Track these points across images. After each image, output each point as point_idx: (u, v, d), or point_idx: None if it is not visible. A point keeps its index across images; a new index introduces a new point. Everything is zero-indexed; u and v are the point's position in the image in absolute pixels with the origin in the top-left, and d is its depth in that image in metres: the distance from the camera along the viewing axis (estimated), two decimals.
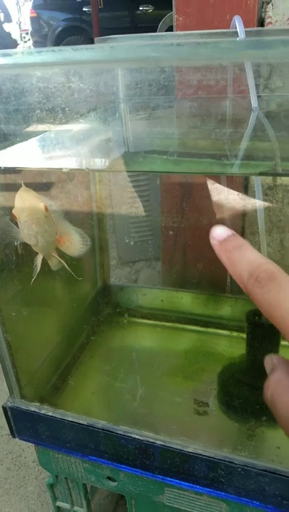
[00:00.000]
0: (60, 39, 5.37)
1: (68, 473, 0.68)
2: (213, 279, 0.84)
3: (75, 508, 0.73)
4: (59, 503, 0.74)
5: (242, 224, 0.85)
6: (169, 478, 0.58)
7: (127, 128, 0.72)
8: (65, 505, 0.73)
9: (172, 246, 0.92)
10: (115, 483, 0.65)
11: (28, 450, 1.02)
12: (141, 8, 5.04)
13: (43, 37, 5.42)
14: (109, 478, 0.65)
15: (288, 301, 0.21)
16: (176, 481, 0.58)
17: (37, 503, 0.91)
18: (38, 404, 0.63)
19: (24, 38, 7.93)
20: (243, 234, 0.86)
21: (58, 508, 0.74)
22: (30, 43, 6.15)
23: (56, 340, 0.74)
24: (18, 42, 5.10)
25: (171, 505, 0.61)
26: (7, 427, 1.08)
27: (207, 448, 0.55)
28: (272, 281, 0.22)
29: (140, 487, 0.63)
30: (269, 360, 0.25)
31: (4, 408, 0.64)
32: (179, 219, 0.86)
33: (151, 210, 1.41)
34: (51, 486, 0.72)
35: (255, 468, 0.52)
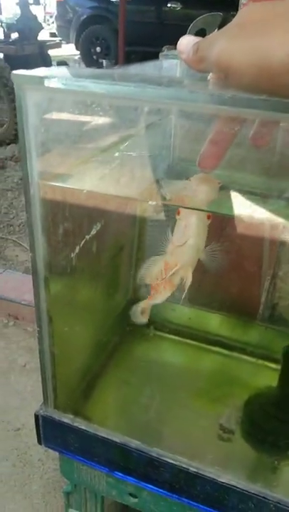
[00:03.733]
0: (85, 26, 5.34)
1: (89, 485, 0.69)
2: (245, 303, 0.86)
3: None
4: (72, 511, 0.75)
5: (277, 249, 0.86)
6: (195, 503, 0.60)
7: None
8: None
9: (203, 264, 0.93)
10: (136, 500, 0.66)
11: (34, 448, 1.03)
12: (169, 5, 5.02)
13: (67, 22, 5.39)
14: (130, 494, 0.66)
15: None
16: (203, 506, 0.59)
17: (41, 502, 0.92)
18: (71, 416, 0.64)
19: (48, 20, 7.87)
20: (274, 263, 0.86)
21: None
22: (54, 26, 6.11)
23: (88, 350, 0.75)
24: (42, 24, 5.04)
25: None
26: (13, 423, 1.09)
27: (240, 480, 0.56)
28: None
29: (162, 507, 0.64)
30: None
31: (36, 416, 0.65)
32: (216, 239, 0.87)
33: None
34: (67, 494, 0.73)
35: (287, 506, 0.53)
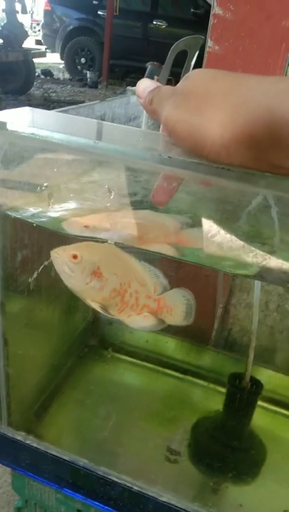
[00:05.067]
0: (71, 37, 5.40)
1: (39, 501, 0.71)
2: (199, 329, 0.90)
3: None
4: None
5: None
6: None
7: None
8: None
9: None
10: None
11: None
12: (154, 23, 5.12)
13: (54, 31, 5.44)
14: (78, 510, 0.69)
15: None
16: None
17: None
18: (24, 434, 0.66)
19: (34, 28, 7.93)
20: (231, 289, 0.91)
21: None
22: (40, 34, 6.16)
23: (44, 371, 0.77)
24: (28, 32, 5.08)
25: None
26: None
27: (180, 500, 0.59)
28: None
29: None
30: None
31: None
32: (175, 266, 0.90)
33: None
34: (19, 509, 0.75)
35: None
